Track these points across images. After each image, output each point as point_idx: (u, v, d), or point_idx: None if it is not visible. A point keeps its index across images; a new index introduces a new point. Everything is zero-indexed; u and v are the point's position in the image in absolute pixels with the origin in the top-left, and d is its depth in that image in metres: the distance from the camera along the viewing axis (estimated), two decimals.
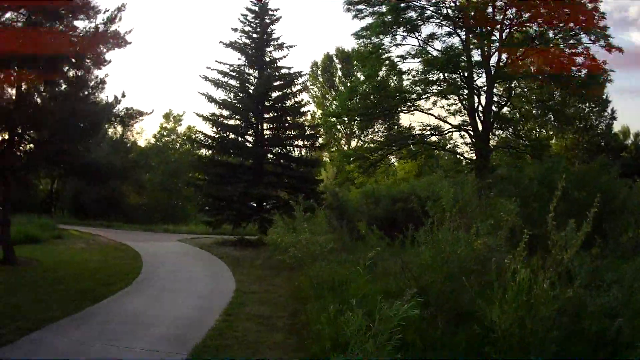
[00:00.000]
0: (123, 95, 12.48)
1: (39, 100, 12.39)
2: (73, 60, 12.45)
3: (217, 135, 19.79)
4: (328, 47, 68.72)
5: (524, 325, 5.42)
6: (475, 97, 15.02)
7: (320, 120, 20.37)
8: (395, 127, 19.40)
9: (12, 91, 12.68)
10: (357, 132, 31.90)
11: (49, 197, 33.05)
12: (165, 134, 32.46)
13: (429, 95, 15.23)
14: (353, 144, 32.65)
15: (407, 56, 14.38)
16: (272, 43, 20.31)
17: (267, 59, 20.35)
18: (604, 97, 28.83)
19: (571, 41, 16.13)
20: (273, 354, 7.22)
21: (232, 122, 20.11)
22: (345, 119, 17.49)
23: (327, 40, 76.89)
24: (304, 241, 10.07)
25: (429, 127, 15.11)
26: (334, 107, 19.73)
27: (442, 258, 6.85)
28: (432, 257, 7.02)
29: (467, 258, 6.73)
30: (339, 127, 31.90)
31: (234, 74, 19.92)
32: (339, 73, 32.73)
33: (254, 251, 17.56)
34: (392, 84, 15.07)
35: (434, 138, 15.75)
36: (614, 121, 31.85)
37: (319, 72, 32.61)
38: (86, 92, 11.59)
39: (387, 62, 14.62)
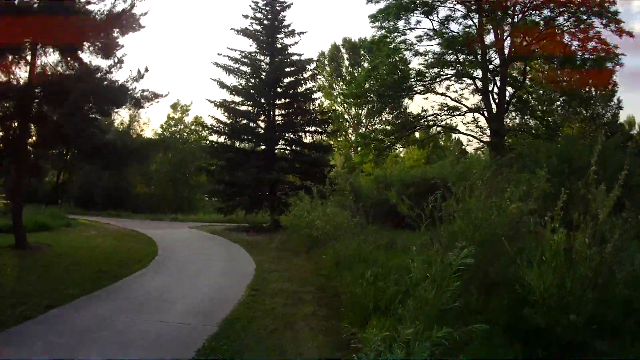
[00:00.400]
0: (146, 70, 12.14)
1: (52, 80, 12.28)
2: (88, 44, 12.32)
3: (230, 121, 19.73)
4: (334, 38, 68.07)
5: (562, 286, 5.40)
6: (490, 80, 14.97)
7: (331, 105, 20.03)
8: (409, 111, 19.29)
9: (25, 74, 12.65)
10: (364, 121, 31.83)
11: (55, 189, 33.06)
12: (172, 124, 32.42)
13: (444, 78, 15.17)
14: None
15: (424, 37, 14.29)
16: (283, 30, 20.22)
17: (279, 46, 20.25)
18: (611, 86, 28.54)
19: (582, 26, 16.01)
20: (306, 325, 7.21)
21: (243, 107, 20.05)
22: (357, 101, 17.26)
23: (334, 31, 76.39)
24: (331, 214, 10.06)
25: (445, 107, 15.03)
26: (344, 90, 19.43)
27: (475, 225, 6.80)
28: (463, 225, 6.96)
29: (500, 224, 6.67)
30: (346, 116, 31.89)
31: (245, 60, 19.84)
32: (346, 63, 32.63)
33: (267, 236, 17.54)
34: (407, 66, 14.95)
35: (447, 121, 15.78)
36: (620, 111, 31.75)
37: (326, 62, 32.44)
38: (103, 72, 11.49)
39: (402, 45, 14.51)
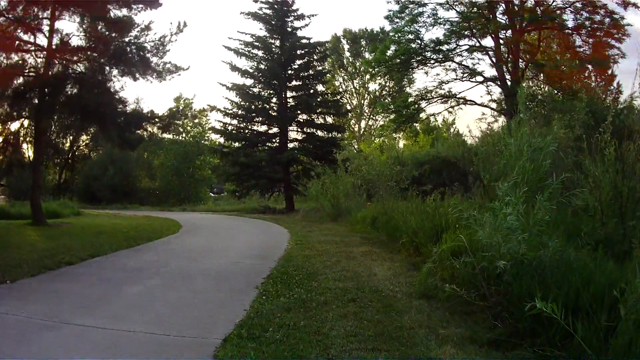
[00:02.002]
0: (185, 25, 11.80)
1: (82, 42, 12.13)
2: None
3: (243, 103, 19.69)
4: (335, 29, 67.84)
5: (619, 195, 5.59)
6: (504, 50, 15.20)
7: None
8: (425, 85, 19.37)
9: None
10: (367, 111, 32.01)
11: (59, 187, 32.61)
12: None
13: (461, 51, 15.37)
14: (363, 124, 32.89)
15: (444, 4, 14.42)
16: (292, 13, 20.32)
17: (289, 29, 20.34)
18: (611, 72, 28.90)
19: None
20: (366, 257, 7.23)
21: (256, 90, 20.03)
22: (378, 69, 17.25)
23: (334, 22, 76.35)
24: (374, 160, 10.16)
25: (465, 74, 15.15)
26: (366, 61, 19.22)
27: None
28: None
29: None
30: (348, 107, 31.96)
31: (257, 43, 19.87)
32: (347, 54, 32.87)
33: (284, 215, 17.49)
34: (423, 40, 15.12)
35: (462, 94, 16.00)
36: (620, 95, 32.30)
37: (328, 52, 32.47)
38: (132, 35, 11.38)
39: (419, 17, 14.64)
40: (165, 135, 33.08)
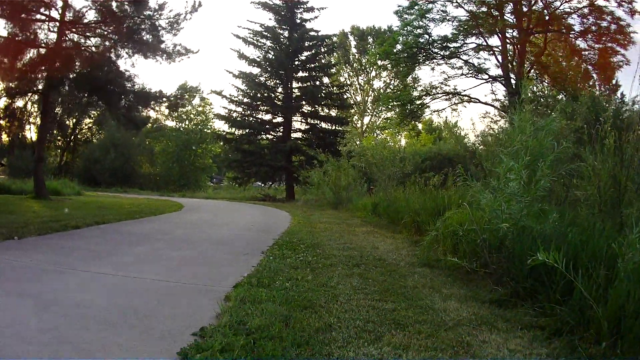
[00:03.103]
0: (195, 8, 11.83)
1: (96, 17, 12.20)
2: None
3: (250, 90, 19.76)
4: (342, 26, 67.77)
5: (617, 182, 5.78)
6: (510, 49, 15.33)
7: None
8: (430, 81, 19.46)
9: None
10: (370, 108, 32.03)
11: (58, 169, 32.61)
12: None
13: (467, 49, 15.52)
14: (366, 119, 32.97)
15: (453, 1, 14.52)
16: (302, 5, 20.39)
17: (298, 20, 20.42)
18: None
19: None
20: (368, 234, 7.35)
21: (262, 78, 20.12)
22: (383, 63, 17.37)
23: (342, 20, 76.37)
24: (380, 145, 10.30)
25: (471, 71, 15.29)
26: (375, 52, 19.33)
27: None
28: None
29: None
30: (351, 101, 31.99)
31: (266, 33, 19.95)
32: (354, 50, 32.88)
33: (285, 203, 17.58)
34: (431, 36, 15.23)
35: (467, 91, 16.13)
36: (623, 105, 32.51)
37: (335, 45, 32.41)
38: (146, 14, 11.44)
39: (429, 11, 14.73)
40: (168, 122, 33.25)
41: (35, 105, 18.32)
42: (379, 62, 16.42)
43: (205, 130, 31.38)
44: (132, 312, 2.96)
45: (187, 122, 31.49)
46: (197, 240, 6.49)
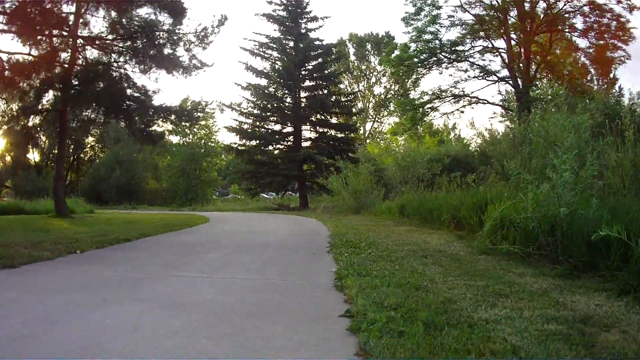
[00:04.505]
0: (225, 18, 12.04)
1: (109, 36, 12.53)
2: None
3: (259, 101, 20.14)
4: (340, 33, 69.00)
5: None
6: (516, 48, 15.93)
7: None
8: (439, 85, 19.93)
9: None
10: (372, 114, 32.57)
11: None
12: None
13: (475, 52, 16.09)
14: (368, 126, 33.39)
15: (457, 9, 15.15)
16: (305, 15, 20.92)
17: (302, 30, 20.92)
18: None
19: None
20: (409, 232, 7.67)
21: (271, 89, 20.52)
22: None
23: (339, 28, 77.45)
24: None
25: (481, 73, 15.84)
26: (387, 59, 19.92)
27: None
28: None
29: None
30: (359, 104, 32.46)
31: (272, 44, 20.42)
32: (352, 57, 33.49)
33: (301, 212, 17.82)
34: (441, 40, 15.81)
35: (475, 93, 16.72)
36: (622, 98, 33.44)
37: (340, 56, 33.00)
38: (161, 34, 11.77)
39: (437, 17, 15.32)
40: (172, 137, 33.42)
41: (47, 124, 18.36)
42: (391, 69, 16.88)
43: (210, 143, 31.67)
44: (263, 305, 3.24)
45: (191, 137, 31.76)
46: (254, 246, 6.75)
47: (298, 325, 2.72)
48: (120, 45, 13.21)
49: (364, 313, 2.71)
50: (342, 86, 32.16)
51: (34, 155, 34.83)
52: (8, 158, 34.86)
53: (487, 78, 16.46)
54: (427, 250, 5.51)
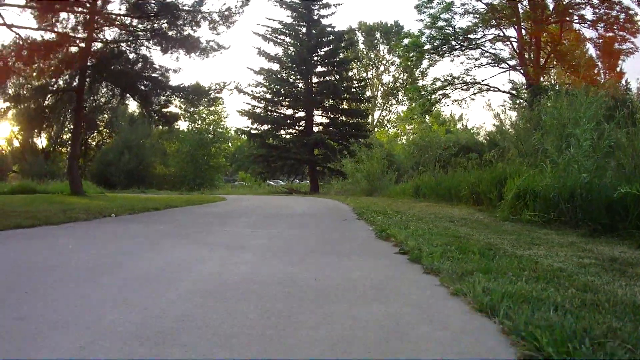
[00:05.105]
0: (245, 2, 12.10)
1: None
2: None
3: (271, 86, 20.39)
4: (349, 22, 68.65)
5: None
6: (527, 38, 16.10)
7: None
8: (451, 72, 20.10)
9: None
10: (380, 102, 32.77)
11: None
12: (188, 105, 32.42)
13: (487, 40, 16.31)
14: (376, 115, 33.59)
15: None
16: (318, 2, 21.06)
17: (315, 17, 21.07)
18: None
19: None
20: (427, 207, 7.97)
21: (283, 74, 20.74)
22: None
23: (348, 16, 77.52)
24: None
25: (493, 60, 16.08)
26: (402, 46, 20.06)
27: None
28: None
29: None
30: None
31: (285, 30, 20.59)
32: (361, 46, 33.61)
33: (314, 195, 18.10)
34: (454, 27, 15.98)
35: (486, 81, 16.94)
36: (629, 92, 33.55)
37: (353, 43, 33.05)
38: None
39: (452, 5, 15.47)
40: (181, 124, 33.62)
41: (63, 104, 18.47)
42: (404, 55, 17.10)
43: (219, 129, 31.89)
44: (318, 247, 3.55)
45: (200, 122, 31.94)
46: (284, 215, 7.05)
47: (361, 259, 3.04)
48: (140, 26, 13.42)
49: (418, 249, 3.01)
50: (350, 74, 32.47)
51: (41, 140, 35.09)
52: (16, 143, 35.14)
53: (499, 66, 16.71)
54: (453, 218, 5.81)
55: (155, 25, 13.12)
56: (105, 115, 31.49)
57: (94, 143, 35.69)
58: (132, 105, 32.07)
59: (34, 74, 13.89)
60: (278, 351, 1.37)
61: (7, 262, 2.96)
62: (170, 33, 12.99)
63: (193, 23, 11.69)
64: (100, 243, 3.92)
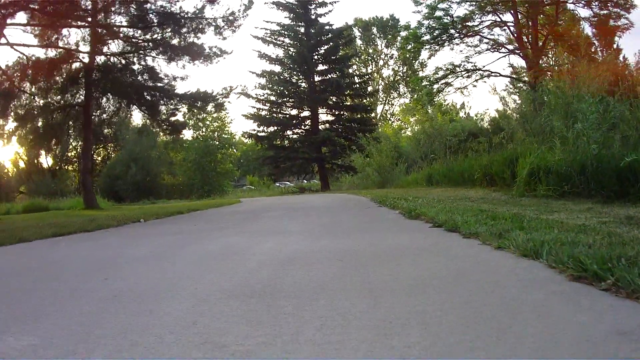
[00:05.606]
0: (248, 6, 12.46)
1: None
2: None
3: (274, 88, 20.71)
4: (346, 18, 68.97)
5: None
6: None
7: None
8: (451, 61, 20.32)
9: None
10: (381, 97, 33.02)
11: (78, 190, 33.35)
12: (196, 111, 32.80)
13: (484, 26, 16.56)
14: (379, 109, 33.85)
15: None
16: (314, 1, 21.36)
17: (312, 16, 21.37)
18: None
19: None
20: (443, 192, 8.24)
21: (286, 74, 21.05)
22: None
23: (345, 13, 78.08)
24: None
25: (492, 46, 16.36)
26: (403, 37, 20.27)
27: None
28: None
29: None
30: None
31: (284, 31, 20.91)
32: (359, 42, 33.82)
33: (324, 192, 18.38)
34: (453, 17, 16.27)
35: (486, 67, 17.18)
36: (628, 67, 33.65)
37: (352, 40, 33.17)
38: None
39: None
40: (186, 132, 33.99)
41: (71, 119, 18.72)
42: (406, 46, 17.33)
43: (224, 135, 32.23)
44: (354, 228, 3.85)
45: (204, 129, 32.30)
46: (306, 208, 7.35)
47: (402, 233, 3.33)
48: (141, 38, 13.72)
49: (453, 220, 3.30)
50: (351, 70, 32.77)
51: (46, 159, 35.53)
52: (21, 164, 35.58)
53: (499, 50, 16.96)
54: (471, 198, 6.10)
55: (158, 35, 13.44)
56: (110, 130, 32.03)
57: (99, 158, 36.17)
58: (137, 118, 32.45)
59: (39, 92, 14.28)
60: (382, 289, 1.66)
61: (86, 257, 3.27)
62: (174, 42, 13.34)
63: (197, 30, 11.97)
64: (147, 239, 4.23)
